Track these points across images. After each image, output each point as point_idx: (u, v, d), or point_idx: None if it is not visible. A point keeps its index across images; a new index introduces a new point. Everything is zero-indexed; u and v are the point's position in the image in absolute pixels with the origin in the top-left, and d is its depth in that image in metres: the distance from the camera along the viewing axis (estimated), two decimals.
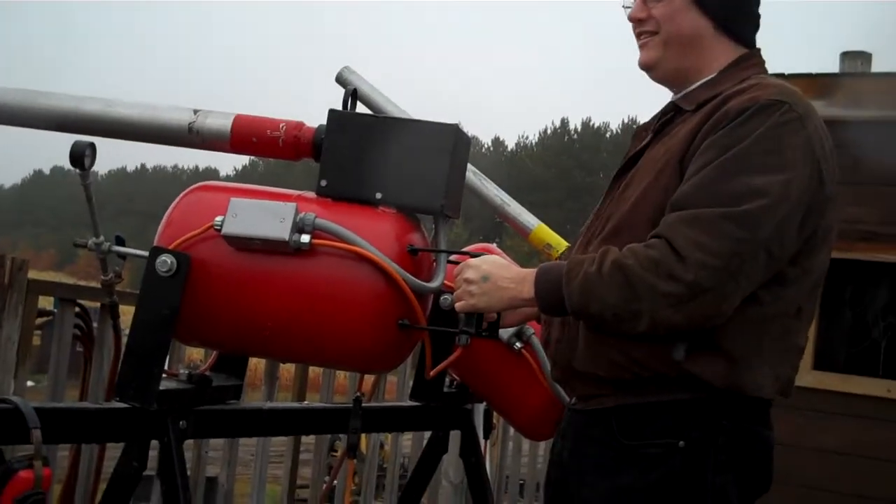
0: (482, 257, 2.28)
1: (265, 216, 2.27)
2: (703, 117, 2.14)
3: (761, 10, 2.34)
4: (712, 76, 2.26)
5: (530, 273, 2.19)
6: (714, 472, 2.09)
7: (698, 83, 2.27)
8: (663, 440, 2.09)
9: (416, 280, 2.31)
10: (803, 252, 2.10)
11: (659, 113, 2.35)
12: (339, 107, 2.49)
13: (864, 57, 6.46)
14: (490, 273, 2.22)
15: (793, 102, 2.09)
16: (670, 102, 2.34)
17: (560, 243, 3.38)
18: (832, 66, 6.26)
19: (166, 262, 2.26)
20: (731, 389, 2.08)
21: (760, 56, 2.32)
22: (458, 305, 2.27)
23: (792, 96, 2.11)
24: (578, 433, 2.24)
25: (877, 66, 6.45)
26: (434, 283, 2.38)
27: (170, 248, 2.29)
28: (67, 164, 2.44)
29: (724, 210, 1.99)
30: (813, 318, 2.23)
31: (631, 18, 2.33)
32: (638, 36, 2.32)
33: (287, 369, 6.47)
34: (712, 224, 1.99)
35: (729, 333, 2.05)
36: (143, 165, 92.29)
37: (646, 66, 2.33)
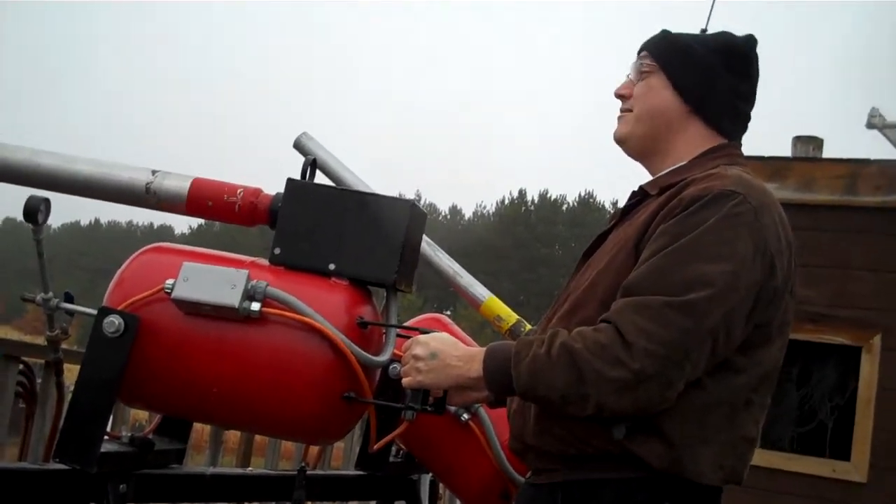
0: (431, 334, 2.29)
1: (217, 282, 2.26)
2: (661, 204, 2.18)
3: None
4: (683, 163, 2.30)
5: (479, 352, 2.21)
6: None
7: (668, 169, 2.31)
8: None
9: (364, 353, 2.31)
10: (754, 343, 2.12)
11: (629, 196, 2.38)
12: (296, 174, 2.50)
13: (816, 142, 6.61)
14: (438, 351, 2.24)
15: (747, 194, 2.11)
16: (639, 187, 2.37)
17: (510, 315, 3.39)
18: (784, 150, 6.39)
19: (114, 322, 2.25)
20: (671, 472, 2.08)
21: (737, 149, 2.35)
22: (405, 381, 2.28)
23: (748, 188, 2.13)
24: None
25: (828, 152, 6.59)
26: (382, 357, 2.39)
27: (119, 308, 2.28)
28: (18, 216, 2.42)
29: (670, 299, 2.01)
30: (765, 410, 2.22)
31: (615, 93, 2.39)
32: (620, 112, 2.39)
33: (233, 433, 6.40)
34: (658, 312, 2.01)
35: (669, 418, 2.06)
36: (97, 220, 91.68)
37: (618, 140, 2.40)
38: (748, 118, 2.37)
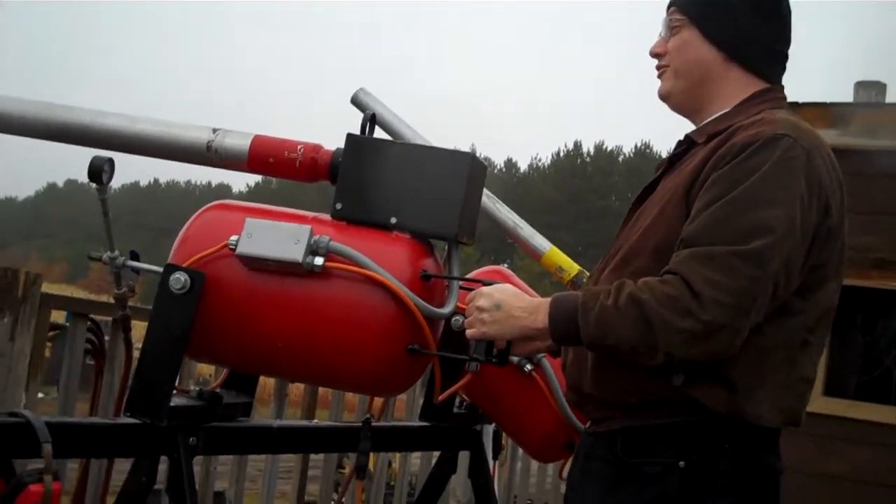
0: (495, 286, 2.29)
1: (280, 237, 2.28)
2: (710, 151, 2.17)
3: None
4: (727, 110, 2.29)
5: (543, 303, 2.21)
6: (714, 496, 2.10)
7: (713, 116, 2.30)
8: (663, 459, 2.11)
9: (428, 305, 2.32)
10: (810, 284, 2.12)
11: (676, 145, 2.38)
12: (356, 130, 2.51)
13: (879, 87, 6.47)
14: (502, 302, 2.24)
15: (797, 136, 2.10)
16: (685, 135, 2.36)
17: (571, 266, 3.39)
18: (846, 95, 6.27)
19: (180, 279, 2.28)
20: (731, 415, 2.09)
21: (781, 92, 2.34)
22: (469, 333, 2.29)
23: (797, 130, 2.13)
24: (588, 453, 2.27)
25: (891, 97, 6.46)
26: (445, 310, 2.39)
27: (184, 265, 2.31)
28: (81, 178, 2.46)
29: (735, 248, 2.01)
30: (822, 351, 2.22)
31: (650, 53, 2.39)
32: (658, 69, 2.38)
33: (297, 386, 6.47)
34: (725, 262, 2.01)
35: (729, 362, 2.06)
36: (155, 180, 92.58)
37: (662, 97, 2.40)
38: (785, 57, 2.36)
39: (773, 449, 2.20)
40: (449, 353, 2.49)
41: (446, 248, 2.48)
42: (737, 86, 2.30)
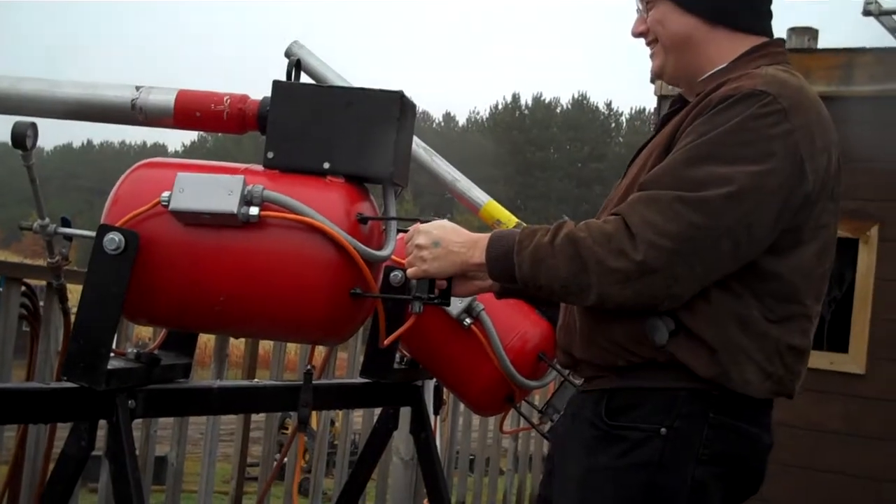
0: (433, 223, 2.29)
1: (213, 190, 2.25)
2: (693, 105, 2.15)
3: None
4: (722, 66, 2.23)
5: (482, 238, 2.21)
6: (694, 464, 2.09)
7: (707, 74, 2.24)
8: (646, 425, 2.10)
9: (367, 248, 2.30)
10: (783, 246, 2.08)
11: (669, 104, 2.36)
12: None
13: (811, 32, 6.53)
14: (441, 238, 2.24)
15: (778, 94, 2.05)
16: (679, 94, 2.35)
17: (510, 219, 3.40)
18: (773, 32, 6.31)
19: (114, 240, 2.24)
20: (717, 382, 2.08)
21: (779, 45, 2.27)
22: (409, 272, 2.29)
23: (780, 87, 2.07)
24: (574, 413, 2.27)
25: (823, 42, 6.52)
26: (384, 252, 2.38)
27: (117, 225, 2.27)
28: (8, 141, 2.40)
29: (681, 193, 1.99)
30: (814, 320, 2.18)
31: (633, 34, 2.34)
32: (648, 46, 2.33)
33: (236, 346, 6.45)
34: (668, 205, 1.99)
35: (707, 324, 2.06)
36: (89, 141, 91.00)
37: (656, 75, 2.36)
38: (769, 2, 2.29)
39: (761, 421, 2.18)
40: (391, 299, 2.49)
41: (382, 191, 2.46)
42: (728, 45, 2.23)
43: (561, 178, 66.80)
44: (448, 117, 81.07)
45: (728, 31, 2.24)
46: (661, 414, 2.10)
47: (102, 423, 2.34)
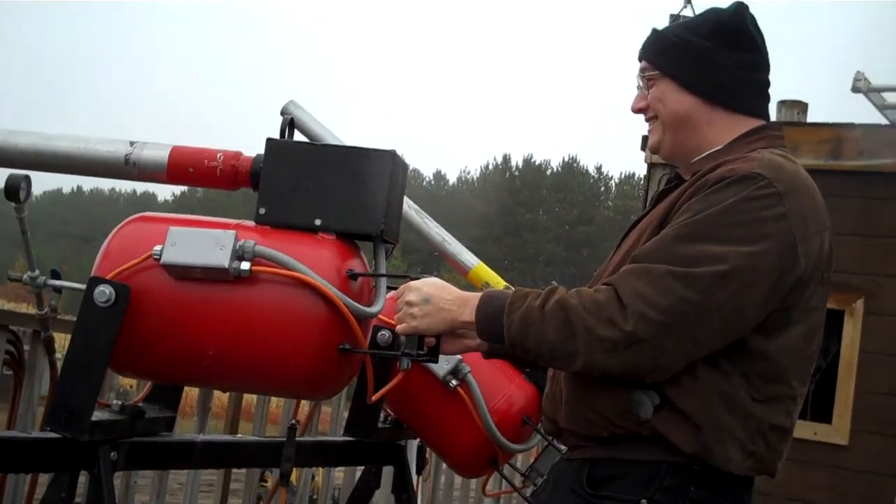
0: (423, 280, 2.31)
1: (205, 244, 2.26)
2: (689, 184, 2.17)
3: None
4: (719, 147, 2.25)
5: (473, 297, 2.22)
6: None
7: (704, 154, 2.26)
8: (626, 496, 2.10)
9: (357, 304, 2.31)
10: (772, 325, 2.09)
11: (665, 182, 2.38)
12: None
13: (801, 106, 6.62)
14: (431, 295, 2.25)
15: (774, 178, 2.07)
16: (675, 172, 2.37)
17: (498, 282, 3.42)
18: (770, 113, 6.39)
19: (105, 292, 2.24)
20: (699, 457, 2.08)
21: (775, 129, 2.29)
22: (399, 328, 2.30)
23: (777, 172, 2.09)
24: (556, 480, 2.28)
25: (812, 116, 6.61)
26: (374, 308, 2.39)
27: (108, 278, 2.28)
28: (1, 184, 2.42)
29: (673, 268, 2.01)
30: (798, 401, 2.19)
31: (633, 110, 2.36)
32: (647, 122, 2.35)
33: (220, 398, 6.40)
34: (660, 279, 2.01)
35: (693, 401, 2.07)
36: (79, 187, 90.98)
37: (652, 150, 2.39)
38: (767, 85, 2.32)
39: (741, 497, 2.17)
40: (378, 357, 2.50)
41: (373, 248, 2.48)
42: (725, 127, 2.26)
43: (549, 240, 66.95)
44: (439, 175, 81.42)
45: (727, 112, 2.26)
46: (642, 486, 2.10)
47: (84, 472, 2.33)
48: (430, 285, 2.29)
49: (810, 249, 2.10)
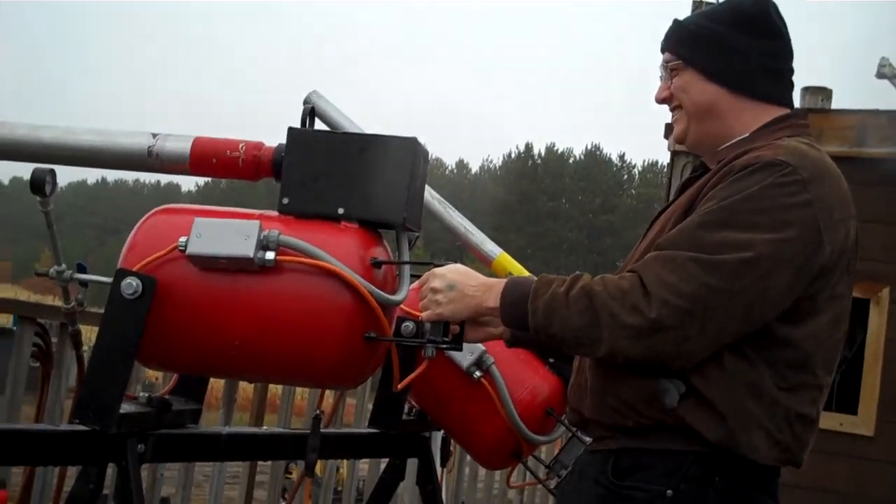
0: (448, 266, 2.32)
1: (229, 235, 2.27)
2: (715, 172, 2.17)
3: None
4: (745, 136, 2.25)
5: (498, 283, 2.23)
6: None
7: (729, 142, 2.26)
8: (652, 486, 2.10)
9: (381, 292, 2.32)
10: (797, 314, 2.09)
11: (692, 170, 2.38)
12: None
13: (825, 93, 6.57)
14: (456, 282, 2.26)
15: (798, 165, 2.07)
16: (701, 161, 2.37)
17: (521, 272, 3.41)
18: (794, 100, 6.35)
19: (131, 284, 2.26)
20: (724, 447, 2.08)
21: (802, 117, 2.29)
22: (424, 314, 2.31)
23: (801, 158, 2.10)
24: (581, 471, 2.28)
25: (837, 103, 6.56)
26: (398, 296, 2.39)
27: (134, 270, 2.29)
28: (25, 175, 2.43)
29: (697, 255, 2.01)
30: (824, 391, 2.18)
31: (657, 100, 2.37)
32: (671, 111, 2.36)
33: (245, 389, 6.43)
34: (682, 266, 2.01)
35: (719, 390, 2.06)
36: (103, 178, 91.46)
37: (678, 140, 2.39)
38: (791, 72, 2.32)
39: (768, 488, 2.17)
40: (403, 347, 2.51)
41: (396, 236, 2.48)
42: (750, 115, 2.26)
43: (572, 228, 66.90)
44: (461, 164, 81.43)
45: (751, 100, 2.27)
46: (667, 476, 2.10)
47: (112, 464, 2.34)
48: (454, 272, 2.29)
49: (835, 237, 2.10)
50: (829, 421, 5.72)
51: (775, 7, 2.30)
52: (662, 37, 2.36)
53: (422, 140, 2.45)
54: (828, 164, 2.16)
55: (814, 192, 2.07)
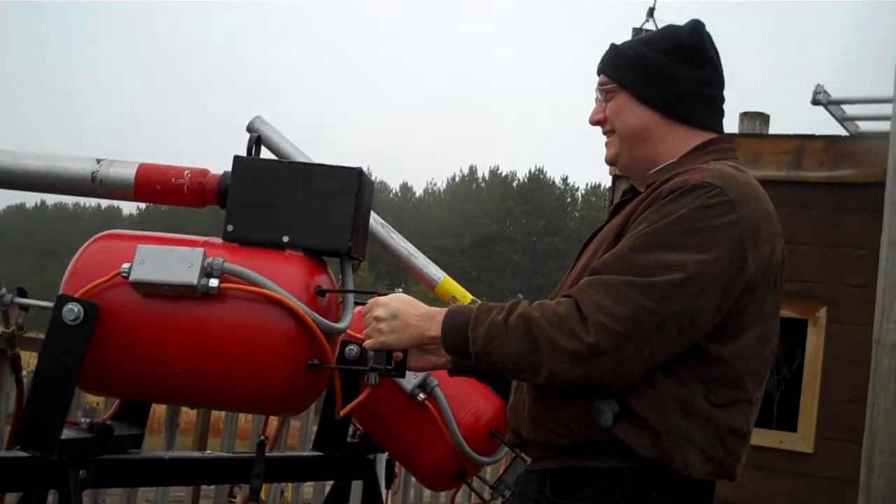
0: (391, 295, 2.33)
1: (173, 262, 2.27)
2: (644, 196, 2.21)
3: None
4: (673, 161, 2.30)
5: (439, 312, 2.25)
6: None
7: (659, 167, 2.31)
8: (590, 503, 2.13)
9: (325, 320, 2.33)
10: (726, 331, 2.13)
11: (622, 194, 2.42)
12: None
13: (763, 118, 6.69)
14: (399, 311, 2.28)
15: (725, 186, 2.12)
16: (630, 184, 2.41)
17: (465, 296, 3.43)
18: (731, 126, 6.46)
19: (73, 310, 2.25)
20: (659, 463, 2.11)
21: (729, 141, 2.35)
22: (367, 343, 2.32)
23: (727, 180, 2.15)
24: (522, 490, 2.30)
25: (774, 128, 6.68)
26: (342, 324, 2.41)
27: (76, 296, 2.28)
28: None
29: (631, 278, 2.05)
30: (755, 406, 2.23)
31: (590, 122, 2.41)
32: (604, 134, 2.40)
33: (188, 414, 6.37)
34: (618, 289, 2.04)
35: (652, 408, 2.10)
36: (42, 202, 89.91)
37: (609, 162, 2.43)
38: (722, 101, 2.38)
39: (702, 502, 2.20)
40: (346, 372, 2.53)
41: (340, 264, 2.50)
42: (680, 141, 2.31)
43: (516, 250, 67.06)
44: (405, 188, 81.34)
45: (682, 126, 2.32)
46: (605, 493, 2.13)
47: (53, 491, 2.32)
48: (397, 300, 2.31)
49: (760, 255, 2.14)
50: (770, 438, 5.80)
51: (710, 38, 2.36)
52: (600, 60, 2.41)
53: (365, 165, 2.47)
54: (753, 185, 2.22)
55: (740, 213, 2.11)
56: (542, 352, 2.05)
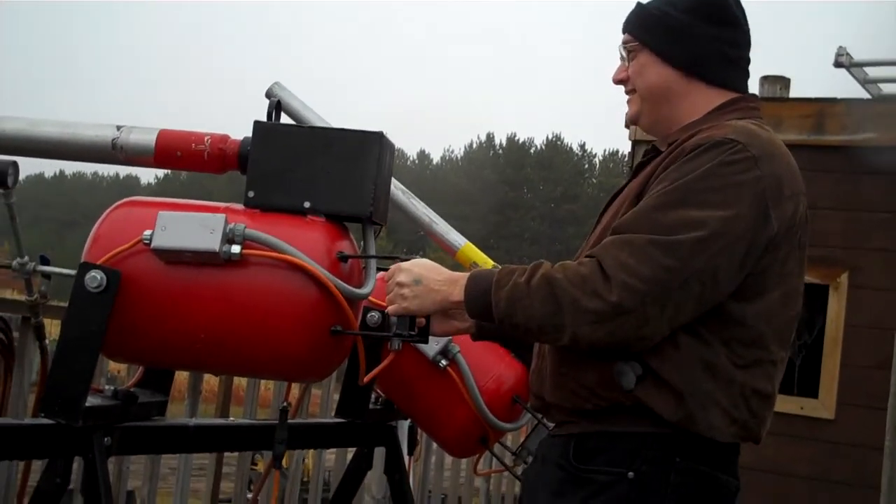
0: (413, 261, 2.32)
1: (195, 228, 2.27)
2: (666, 154, 2.20)
3: None
4: (695, 119, 2.29)
5: (462, 277, 2.24)
6: None
7: (680, 126, 2.30)
8: (613, 468, 2.13)
9: (347, 286, 2.32)
10: (748, 290, 2.12)
11: (643, 154, 2.41)
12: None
13: (783, 81, 6.64)
14: (422, 276, 2.27)
15: (747, 143, 2.11)
16: (652, 144, 2.40)
17: (486, 262, 3.42)
18: (752, 89, 6.41)
19: (96, 278, 2.25)
20: (682, 426, 2.10)
21: (753, 101, 2.33)
22: (390, 308, 2.31)
23: (750, 137, 2.13)
24: (544, 456, 2.30)
25: (795, 91, 6.63)
26: (365, 290, 2.40)
27: (99, 263, 2.28)
28: None
29: (654, 237, 2.03)
30: (780, 366, 2.21)
31: (613, 81, 2.40)
32: (626, 94, 2.39)
33: (210, 382, 6.41)
34: (641, 249, 2.03)
35: (674, 369, 2.09)
36: (61, 171, 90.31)
37: (630, 121, 2.43)
38: (747, 61, 2.36)
39: (728, 466, 2.19)
40: (369, 338, 2.52)
41: (362, 230, 2.49)
42: (702, 100, 2.30)
43: (534, 217, 67.04)
44: (423, 155, 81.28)
45: (704, 85, 2.31)
46: (628, 458, 2.12)
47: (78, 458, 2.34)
48: (420, 266, 2.30)
49: (784, 212, 2.13)
50: (791, 405, 5.80)
51: None
52: (624, 19, 2.40)
53: (385, 131, 2.45)
54: (776, 142, 2.20)
55: (764, 169, 2.10)
56: (566, 313, 2.04)
